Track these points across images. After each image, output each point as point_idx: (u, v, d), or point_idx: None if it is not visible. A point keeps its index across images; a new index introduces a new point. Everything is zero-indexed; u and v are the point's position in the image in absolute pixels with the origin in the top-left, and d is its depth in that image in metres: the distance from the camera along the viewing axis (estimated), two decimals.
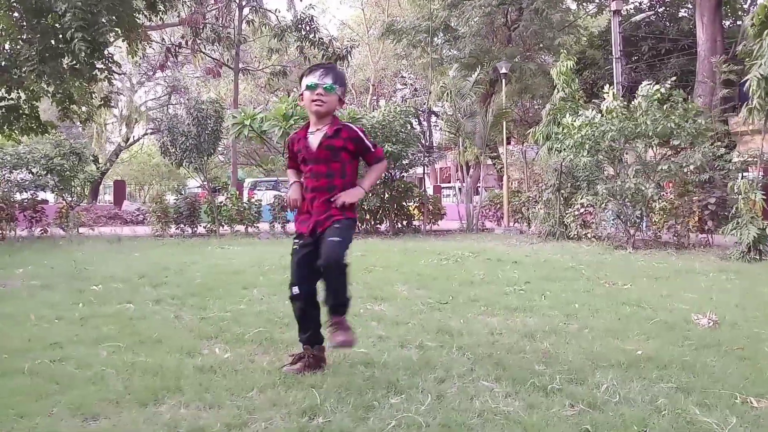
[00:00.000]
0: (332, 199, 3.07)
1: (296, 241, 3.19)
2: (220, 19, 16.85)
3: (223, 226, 13.75)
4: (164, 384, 2.85)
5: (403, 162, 13.93)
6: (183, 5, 17.01)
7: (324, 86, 3.11)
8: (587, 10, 23.90)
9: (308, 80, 3.16)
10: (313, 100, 3.13)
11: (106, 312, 4.50)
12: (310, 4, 18.09)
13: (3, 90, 16.41)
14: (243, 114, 12.76)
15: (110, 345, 3.56)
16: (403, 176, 14.79)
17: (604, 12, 22.47)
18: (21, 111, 16.66)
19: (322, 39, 17.95)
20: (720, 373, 3.06)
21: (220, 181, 14.87)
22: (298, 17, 17.58)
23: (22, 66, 15.05)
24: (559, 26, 20.91)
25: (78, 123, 20.09)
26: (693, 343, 3.67)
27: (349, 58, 19.01)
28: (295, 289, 3.12)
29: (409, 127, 14.01)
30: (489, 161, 22.67)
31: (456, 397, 2.73)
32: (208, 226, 13.87)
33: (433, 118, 24.27)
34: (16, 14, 15.14)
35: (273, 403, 2.65)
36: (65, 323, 4.17)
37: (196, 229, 13.88)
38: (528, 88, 21.39)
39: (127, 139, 29.11)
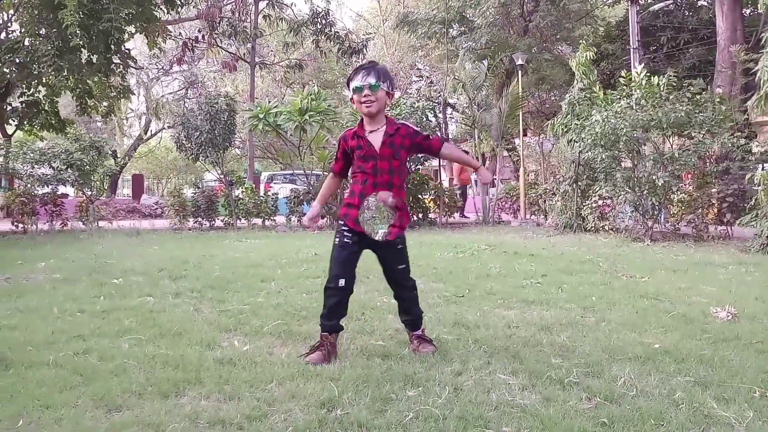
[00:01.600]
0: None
1: (346, 234, 3.31)
2: (237, 13, 16.88)
3: (240, 219, 13.85)
4: (185, 376, 2.90)
5: (419, 155, 13.91)
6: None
7: (372, 87, 3.25)
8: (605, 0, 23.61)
9: (353, 84, 3.32)
10: (362, 102, 3.28)
11: (127, 305, 4.57)
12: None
13: (23, 86, 16.68)
14: (258, 108, 12.81)
15: (132, 337, 3.62)
16: (419, 169, 14.76)
17: (621, 1, 22.15)
18: (41, 107, 16.91)
19: (338, 32, 17.94)
20: (738, 367, 3.04)
21: (236, 174, 14.90)
22: (314, 11, 17.56)
23: (40, 61, 15.26)
24: (576, 17, 20.70)
25: (98, 117, 20.39)
26: (711, 336, 3.64)
27: (365, 51, 18.99)
28: (341, 282, 3.25)
29: (425, 120, 13.97)
30: (505, 153, 22.57)
31: (473, 389, 2.74)
32: (226, 219, 13.99)
33: (449, 110, 24.16)
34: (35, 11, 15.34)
35: (292, 395, 2.68)
36: (87, 316, 4.24)
37: (213, 222, 14.00)
38: (545, 79, 21.20)
39: (146, 133, 29.35)
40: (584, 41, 14.94)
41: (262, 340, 3.60)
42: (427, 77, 29.17)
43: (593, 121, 9.98)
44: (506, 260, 7.23)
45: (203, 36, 17.04)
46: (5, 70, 15.66)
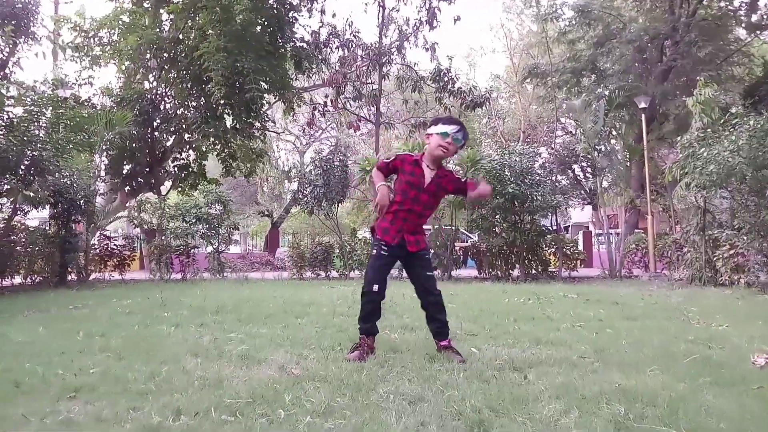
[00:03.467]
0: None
1: (383, 247, 3.77)
2: (362, 76, 17.76)
3: (354, 270, 14.16)
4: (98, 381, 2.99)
5: (533, 204, 13.33)
6: (327, 66, 18.26)
7: (455, 139, 3.72)
8: (761, 37, 21.50)
9: (443, 128, 3.74)
10: (441, 146, 3.72)
11: (131, 331, 4.83)
12: (449, 56, 18.41)
13: (177, 151, 18.78)
14: (366, 161, 13.22)
15: (108, 354, 3.82)
16: (534, 219, 14.13)
17: None
18: (190, 169, 18.86)
19: (461, 88, 18.12)
20: None
21: (349, 227, 15.38)
22: (437, 68, 17.95)
23: (190, 128, 17.14)
24: (721, 56, 19.06)
25: (242, 177, 22.24)
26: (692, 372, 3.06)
27: (488, 104, 18.92)
28: (376, 287, 3.70)
29: (536, 168, 13.48)
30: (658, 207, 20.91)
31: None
32: (340, 270, 14.37)
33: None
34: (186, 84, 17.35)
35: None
36: (95, 337, 4.54)
37: (329, 273, 14.45)
38: (687, 126, 19.53)
39: (295, 199, 31.36)
40: (737, 81, 13.70)
41: (216, 363, 3.60)
42: (571, 132, 28.31)
43: (705, 158, 8.99)
44: (574, 307, 6.63)
45: (331, 100, 18.08)
46: (162, 137, 17.82)
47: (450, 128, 3.71)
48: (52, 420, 2.45)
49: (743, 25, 21.09)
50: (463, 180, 4.04)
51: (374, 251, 3.81)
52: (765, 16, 20.83)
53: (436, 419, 2.39)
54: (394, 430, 2.24)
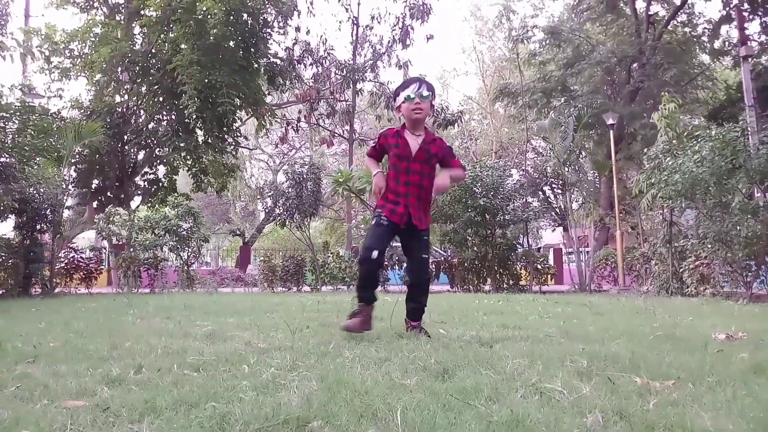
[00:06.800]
0: (432, 194, 3.76)
1: (384, 217, 3.67)
2: (335, 93, 17.90)
3: (326, 284, 14.06)
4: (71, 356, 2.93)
5: (504, 217, 13.47)
6: (300, 82, 18.36)
7: (422, 96, 3.62)
8: (723, 62, 22.26)
9: (405, 93, 3.67)
10: (413, 109, 3.63)
11: (107, 323, 4.75)
12: (422, 75, 18.66)
13: (147, 166, 18.61)
14: (340, 173, 13.24)
15: (71, 335, 3.75)
16: (505, 233, 14.23)
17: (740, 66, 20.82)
18: (161, 184, 18.68)
19: (434, 106, 18.35)
20: None
21: (323, 239, 15.32)
22: None
23: (160, 142, 17.01)
24: (686, 79, 19.67)
25: (213, 194, 22.10)
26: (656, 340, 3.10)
27: (460, 123, 19.20)
28: (374, 253, 3.56)
29: (508, 182, 13.63)
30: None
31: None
32: (312, 284, 14.26)
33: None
34: (159, 98, 17.26)
35: None
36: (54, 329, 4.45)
37: (301, 287, 14.33)
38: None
39: (267, 214, 31.22)
40: (702, 104, 14.12)
41: (181, 340, 3.54)
42: (541, 153, 28.78)
43: (671, 168, 9.21)
44: (542, 305, 6.69)
45: (304, 116, 18.16)
46: (132, 151, 17.66)
47: (411, 90, 3.64)
48: (8, 376, 2.38)
49: (707, 50, 21.84)
50: (456, 158, 3.87)
51: (373, 221, 3.74)
52: (726, 43, 21.61)
53: (401, 372, 2.38)
54: (359, 379, 2.23)
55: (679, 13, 21.12)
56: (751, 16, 19.77)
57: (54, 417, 1.74)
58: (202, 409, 1.78)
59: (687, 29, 21.74)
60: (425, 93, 3.63)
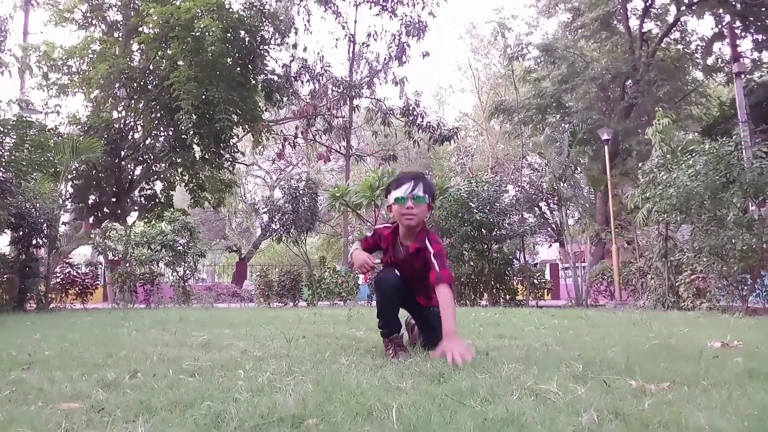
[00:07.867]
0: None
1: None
2: (332, 109, 18.01)
3: (323, 299, 14.04)
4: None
5: (501, 232, 13.49)
6: (297, 99, 18.47)
7: (416, 198, 3.10)
8: (716, 79, 22.47)
9: (397, 194, 3.14)
10: (404, 214, 3.11)
11: (102, 335, 4.73)
12: (418, 91, 18.81)
13: (144, 182, 18.63)
14: (337, 188, 13.29)
15: (66, 344, 3.73)
16: (502, 248, 14.25)
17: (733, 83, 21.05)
18: (157, 200, 18.68)
19: (429, 123, 18.47)
20: None
21: (320, 255, 15.32)
22: (406, 104, 18.31)
23: (157, 158, 17.04)
24: (679, 96, 19.85)
25: (210, 210, 22.11)
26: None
27: (456, 139, 19.30)
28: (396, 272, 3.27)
29: (504, 197, 13.69)
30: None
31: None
32: (309, 299, 14.22)
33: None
34: (157, 115, 17.32)
35: None
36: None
37: (298, 302, 14.30)
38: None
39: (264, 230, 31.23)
40: (696, 120, 14.26)
41: (177, 349, 3.54)
42: (536, 170, 28.91)
43: (665, 182, 9.26)
44: (538, 317, 6.69)
45: (301, 132, 18.26)
46: (129, 167, 17.68)
47: (403, 190, 3.11)
48: (2, 381, 2.37)
49: (700, 67, 22.06)
50: (441, 264, 3.13)
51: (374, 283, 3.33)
52: (719, 60, 21.84)
53: (397, 376, 2.39)
54: (355, 382, 2.23)
55: (672, 31, 21.39)
56: (743, 34, 20.04)
57: (48, 417, 1.74)
58: (197, 408, 1.78)
59: (680, 46, 22.00)
60: (420, 194, 3.10)
